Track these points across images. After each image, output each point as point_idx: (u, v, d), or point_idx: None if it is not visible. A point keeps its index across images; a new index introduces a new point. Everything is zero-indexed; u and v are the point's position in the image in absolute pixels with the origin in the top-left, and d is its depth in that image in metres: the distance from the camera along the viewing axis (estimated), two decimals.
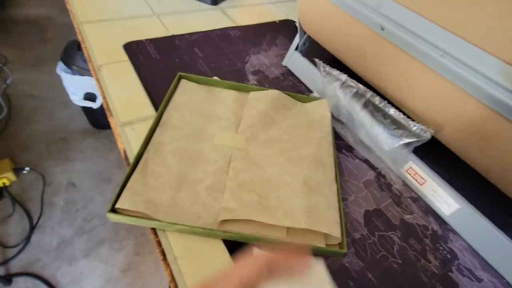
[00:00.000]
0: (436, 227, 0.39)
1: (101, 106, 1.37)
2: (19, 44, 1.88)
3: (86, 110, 1.44)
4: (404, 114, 0.39)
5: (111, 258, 1.14)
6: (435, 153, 0.41)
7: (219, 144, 0.42)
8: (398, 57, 0.36)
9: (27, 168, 1.30)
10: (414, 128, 0.37)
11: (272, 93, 0.48)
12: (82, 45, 0.56)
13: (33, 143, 1.42)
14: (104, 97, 0.46)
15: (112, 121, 0.43)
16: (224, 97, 0.49)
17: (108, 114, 0.45)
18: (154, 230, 0.34)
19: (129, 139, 0.41)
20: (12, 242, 1.12)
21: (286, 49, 0.63)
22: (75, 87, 1.31)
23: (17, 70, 1.72)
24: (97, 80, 0.49)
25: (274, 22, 0.72)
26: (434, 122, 0.36)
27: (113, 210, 0.33)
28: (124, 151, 0.40)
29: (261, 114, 0.46)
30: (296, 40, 0.56)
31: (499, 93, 0.27)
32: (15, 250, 1.09)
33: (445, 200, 0.39)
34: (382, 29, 0.36)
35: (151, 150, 0.39)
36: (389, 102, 0.41)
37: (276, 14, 0.77)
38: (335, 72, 0.45)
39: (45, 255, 1.11)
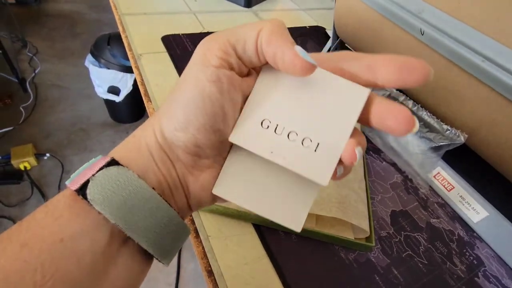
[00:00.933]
0: (462, 233, 0.39)
1: (123, 100, 1.42)
2: (50, 37, 1.97)
3: (108, 103, 1.48)
4: (437, 118, 0.39)
5: None
6: (464, 160, 0.41)
7: None
8: (435, 61, 0.37)
9: (47, 154, 1.34)
10: (448, 132, 0.37)
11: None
12: (123, 35, 0.58)
13: (55, 131, 1.47)
14: (143, 84, 0.48)
15: (149, 106, 0.45)
16: None
17: (145, 99, 0.47)
18: None
19: None
20: None
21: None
22: (101, 79, 1.35)
23: (46, 61, 1.79)
24: (136, 67, 0.51)
25: (305, 27, 0.74)
26: (468, 127, 0.36)
27: None
28: None
29: None
30: (328, 44, 0.57)
31: None
32: None
33: (473, 207, 0.39)
34: (422, 34, 0.37)
35: None
36: (422, 106, 0.42)
37: (306, 20, 0.79)
38: None
39: None
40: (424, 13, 0.36)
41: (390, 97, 0.44)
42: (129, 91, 1.41)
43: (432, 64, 0.37)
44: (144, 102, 0.47)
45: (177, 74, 0.51)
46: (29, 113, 1.50)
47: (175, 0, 0.72)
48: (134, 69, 0.52)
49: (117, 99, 1.41)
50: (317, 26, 0.76)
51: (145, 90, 0.48)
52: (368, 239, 0.34)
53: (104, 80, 1.35)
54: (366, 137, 0.48)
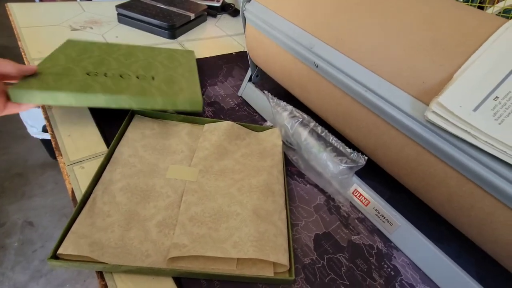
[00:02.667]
0: (381, 245, 0.41)
1: None
2: None
3: (45, 142, 1.38)
4: (345, 140, 0.42)
5: None
6: (377, 176, 0.44)
7: (171, 178, 0.42)
8: (333, 91, 0.40)
9: None
10: (352, 155, 0.40)
11: (226, 124, 0.50)
12: None
13: None
14: (53, 135, 0.46)
15: (60, 160, 0.43)
16: (178, 131, 0.50)
17: (56, 153, 0.44)
18: (100, 273, 0.33)
19: (77, 178, 0.41)
20: None
21: (242, 80, 0.67)
22: (33, 119, 1.26)
23: None
24: (46, 118, 0.48)
25: (231, 54, 0.76)
26: (368, 149, 0.39)
27: (55, 256, 0.32)
28: (72, 192, 0.39)
29: (214, 146, 0.47)
30: (249, 72, 0.59)
31: (410, 122, 0.31)
32: None
33: (387, 219, 0.42)
34: (316, 67, 0.39)
35: (100, 188, 0.39)
36: (332, 130, 0.45)
37: (233, 46, 0.80)
38: (282, 103, 0.48)
39: None
40: (315, 47, 0.39)
41: (303, 123, 0.46)
42: None
43: (330, 93, 0.40)
44: (56, 156, 0.44)
45: (92, 119, 0.49)
46: None
47: (90, 37, 0.69)
48: (45, 120, 0.49)
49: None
50: (243, 52, 0.78)
51: (56, 143, 0.45)
52: (289, 272, 0.35)
53: (36, 119, 1.26)
54: (290, 161, 0.50)
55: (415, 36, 0.32)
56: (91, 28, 0.73)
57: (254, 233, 0.36)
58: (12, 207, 1.26)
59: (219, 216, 0.38)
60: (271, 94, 0.52)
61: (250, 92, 0.59)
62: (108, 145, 0.46)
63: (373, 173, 0.44)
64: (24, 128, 1.31)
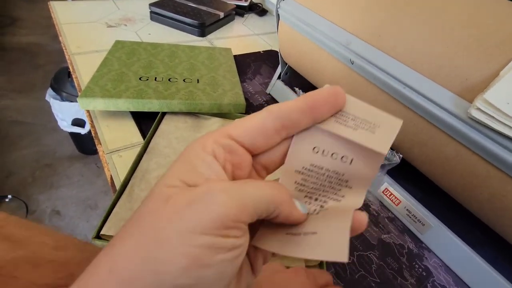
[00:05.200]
0: (412, 245, 0.41)
1: (89, 131, 1.38)
2: (8, 71, 1.89)
3: (74, 136, 1.44)
4: None
5: None
6: (409, 174, 0.44)
7: None
8: (368, 88, 0.40)
9: (9, 196, 1.27)
10: None
11: None
12: (73, 75, 0.58)
13: (17, 170, 1.40)
14: (92, 126, 0.48)
15: (100, 148, 0.45)
16: (209, 125, 0.51)
17: (96, 142, 0.46)
18: None
19: (116, 166, 0.43)
20: None
21: (270, 77, 0.67)
22: (64, 113, 1.32)
23: (5, 96, 1.72)
24: (87, 110, 0.50)
25: (259, 52, 0.77)
26: (403, 147, 0.39)
27: (98, 236, 0.33)
28: (111, 178, 0.41)
29: None
30: (279, 69, 0.60)
31: (451, 120, 0.30)
32: None
33: (418, 219, 0.41)
34: (352, 63, 0.39)
35: (138, 176, 0.40)
36: None
37: (260, 44, 0.81)
38: None
39: None
40: (352, 44, 0.39)
41: None
42: None
43: (365, 91, 0.40)
44: (96, 144, 0.47)
45: (129, 112, 0.51)
46: None
47: (125, 34, 0.72)
48: (85, 111, 0.51)
49: (83, 131, 1.37)
50: (270, 50, 0.79)
51: (96, 133, 0.47)
52: (320, 265, 0.35)
53: (67, 113, 1.31)
54: None
55: (458, 33, 0.32)
56: (125, 25, 0.76)
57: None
58: (42, 196, 1.33)
59: None
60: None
61: (279, 89, 0.60)
62: (143, 136, 0.48)
63: (405, 172, 0.44)
64: (55, 121, 1.37)
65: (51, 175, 1.42)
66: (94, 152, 1.52)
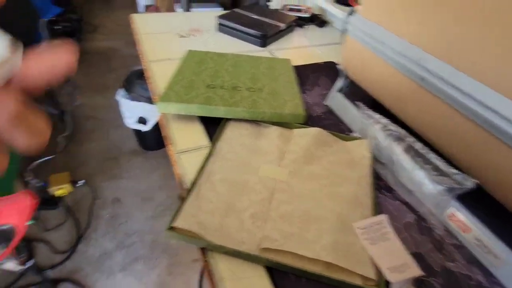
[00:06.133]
0: (481, 278, 0.38)
1: (151, 129, 1.51)
2: (88, 72, 2.16)
3: (137, 132, 1.58)
4: (447, 159, 0.40)
5: (145, 276, 1.18)
6: (482, 202, 0.41)
7: (263, 176, 0.45)
8: (439, 106, 0.38)
9: (81, 182, 1.44)
10: (456, 176, 0.37)
11: (315, 130, 0.52)
12: (148, 81, 0.65)
13: (88, 160, 1.58)
14: (165, 127, 0.53)
15: (170, 148, 0.50)
16: (269, 133, 0.53)
17: (167, 142, 0.51)
18: (203, 250, 0.38)
19: (184, 165, 0.47)
20: (61, 248, 1.22)
21: (328, 89, 0.68)
22: (131, 111, 1.46)
23: (84, 94, 1.96)
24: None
25: (318, 63, 0.77)
26: (475, 171, 0.36)
27: (171, 228, 0.37)
28: (179, 176, 0.45)
29: (303, 150, 0.49)
30: (339, 82, 0.60)
31: None
32: (63, 256, 1.19)
33: (491, 252, 0.38)
34: (422, 80, 0.38)
35: (204, 177, 0.44)
36: (430, 146, 0.43)
37: (319, 55, 0.82)
38: (377, 115, 0.48)
39: (87, 265, 1.19)
40: (423, 60, 0.38)
41: (398, 138, 0.45)
42: (156, 121, 1.50)
43: (437, 109, 0.38)
44: (167, 144, 0.52)
45: (197, 116, 0.56)
46: (67, 143, 1.63)
47: (194, 44, 0.78)
48: (160, 113, 0.57)
49: (145, 128, 1.50)
50: (329, 62, 0.79)
51: (167, 133, 0.52)
52: (378, 286, 0.34)
53: (133, 111, 1.46)
54: (378, 174, 0.49)
55: None
56: (194, 35, 0.82)
57: (342, 241, 0.36)
58: (106, 184, 1.48)
59: (308, 217, 0.40)
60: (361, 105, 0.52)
61: (338, 102, 0.60)
62: (210, 139, 0.52)
63: (476, 197, 0.41)
64: (121, 118, 1.53)
65: (115, 167, 1.58)
66: (153, 148, 1.66)
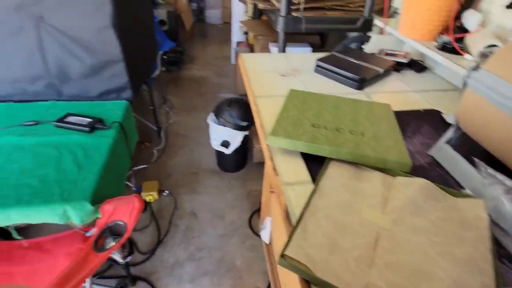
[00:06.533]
0: None
1: (231, 153, 1.63)
2: (182, 95, 2.48)
3: (218, 153, 1.73)
4: None
5: None
6: None
7: (366, 219, 0.46)
8: None
9: (166, 191, 1.62)
10: None
11: (421, 181, 0.51)
12: (255, 115, 0.72)
13: (174, 172, 1.77)
14: (271, 159, 0.58)
15: (278, 179, 0.54)
16: (372, 177, 0.54)
17: (274, 173, 0.56)
18: (305, 282, 0.39)
19: (290, 197, 0.50)
20: (143, 249, 1.37)
21: (432, 138, 0.65)
22: (217, 134, 1.61)
23: (178, 114, 2.25)
24: (267, 144, 0.62)
25: (419, 110, 0.76)
26: None
27: (282, 255, 0.40)
28: (286, 207, 0.49)
29: (409, 200, 0.48)
30: (449, 133, 0.58)
31: None
32: (143, 257, 1.33)
33: None
34: None
35: (309, 211, 0.47)
36: None
37: (419, 102, 0.80)
38: (500, 176, 0.44)
39: (162, 269, 1.30)
40: None
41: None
42: (237, 146, 1.62)
43: None
44: (273, 176, 0.56)
45: (299, 153, 0.60)
46: (159, 155, 1.87)
47: (294, 83, 0.85)
48: (265, 145, 0.63)
49: (226, 151, 1.63)
50: (432, 110, 0.76)
51: (274, 165, 0.57)
52: None
53: (219, 135, 1.61)
54: (498, 241, 0.45)
55: None
56: (294, 75, 0.90)
57: None
58: (186, 197, 1.63)
59: (419, 273, 0.39)
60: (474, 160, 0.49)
61: (446, 154, 0.58)
62: (311, 175, 0.55)
63: None
64: (206, 138, 1.69)
65: (195, 182, 1.73)
66: (230, 170, 1.78)
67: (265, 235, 1.23)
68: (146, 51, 1.49)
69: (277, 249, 1.01)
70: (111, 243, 0.80)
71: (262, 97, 0.78)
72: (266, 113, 0.71)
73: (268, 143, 0.58)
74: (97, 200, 0.84)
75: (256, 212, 1.57)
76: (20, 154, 0.92)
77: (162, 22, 2.75)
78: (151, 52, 1.58)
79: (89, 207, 0.80)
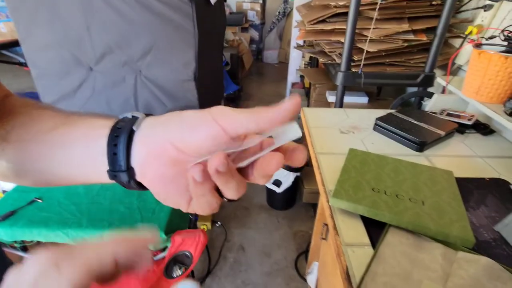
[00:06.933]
0: None
1: (282, 192, 1.70)
2: None
3: (269, 191, 1.80)
4: None
5: None
6: None
7: None
8: None
9: (219, 223, 1.72)
10: None
11: (485, 260, 0.51)
12: (316, 171, 0.79)
13: (227, 205, 1.89)
14: (332, 217, 0.64)
15: (337, 238, 0.59)
16: (431, 248, 0.56)
17: (333, 232, 0.61)
18: None
19: (350, 258, 0.55)
20: (195, 276, 1.46)
21: (498, 211, 0.65)
22: (275, 176, 1.71)
23: None
24: (327, 202, 0.68)
25: (483, 179, 0.75)
26: None
27: None
28: (346, 268, 0.54)
29: (472, 279, 0.49)
30: None
31: None
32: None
33: None
34: None
35: (369, 276, 0.51)
36: None
37: (484, 169, 0.80)
38: None
39: None
40: None
41: None
42: (288, 186, 1.69)
43: None
44: (334, 235, 0.62)
45: (358, 215, 0.64)
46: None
47: (353, 140, 0.91)
48: (325, 202, 0.69)
49: (278, 190, 1.70)
50: (498, 179, 0.75)
51: (334, 223, 0.63)
52: None
53: (276, 176, 1.70)
54: None
55: None
56: (353, 132, 0.96)
57: None
58: (236, 230, 1.71)
59: None
60: None
61: None
62: (370, 238, 0.59)
63: None
64: None
65: (245, 216, 1.81)
66: (279, 208, 1.83)
67: (311, 280, 1.24)
68: (216, 95, 1.69)
69: None
70: (177, 271, 0.90)
71: (322, 154, 0.85)
72: (327, 170, 0.78)
73: (332, 204, 0.64)
74: (168, 229, 0.97)
75: (302, 254, 1.58)
76: None
77: (225, 63, 3.06)
78: (218, 96, 1.78)
79: (163, 236, 0.92)
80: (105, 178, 0.26)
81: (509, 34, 0.92)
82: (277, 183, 1.71)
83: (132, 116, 0.25)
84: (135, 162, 0.24)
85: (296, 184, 1.75)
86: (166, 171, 0.23)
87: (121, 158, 0.24)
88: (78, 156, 0.26)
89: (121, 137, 0.24)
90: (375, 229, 0.61)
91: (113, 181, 0.26)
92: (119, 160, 0.24)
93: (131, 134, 0.24)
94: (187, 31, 1.17)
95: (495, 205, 0.67)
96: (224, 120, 0.21)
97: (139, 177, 0.25)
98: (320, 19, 1.37)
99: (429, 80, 1.28)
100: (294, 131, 0.22)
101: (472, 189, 0.72)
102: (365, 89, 1.67)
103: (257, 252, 1.60)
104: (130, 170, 0.24)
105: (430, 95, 1.21)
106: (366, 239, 0.59)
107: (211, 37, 1.43)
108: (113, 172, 0.25)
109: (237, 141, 0.23)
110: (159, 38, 1.19)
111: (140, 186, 0.25)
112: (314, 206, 1.83)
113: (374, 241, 0.59)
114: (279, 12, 4.35)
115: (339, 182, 0.68)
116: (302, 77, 2.64)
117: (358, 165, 0.74)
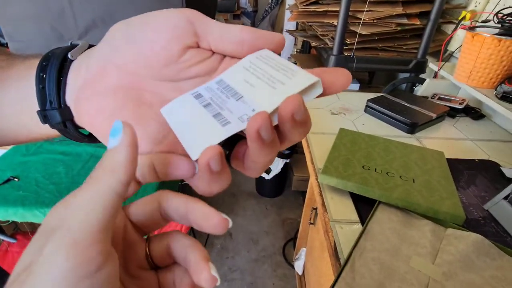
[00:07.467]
0: None
1: (270, 178, 1.68)
2: None
3: (257, 178, 1.78)
4: None
5: None
6: None
7: (415, 268, 0.47)
8: None
9: None
10: None
11: (475, 236, 0.50)
12: (306, 150, 0.77)
13: None
14: (321, 195, 0.62)
15: (326, 215, 0.57)
16: (421, 225, 0.54)
17: (322, 209, 0.59)
18: None
19: (338, 235, 0.53)
20: None
21: (487, 191, 0.64)
22: None
23: None
24: (316, 180, 0.66)
25: (473, 160, 0.74)
26: None
27: None
28: (334, 244, 0.52)
29: (461, 254, 0.48)
30: (509, 189, 0.57)
31: None
32: None
33: None
34: None
35: (358, 251, 0.49)
36: None
37: (475, 151, 0.79)
38: None
39: None
40: None
41: None
42: (277, 172, 1.67)
43: None
44: (322, 212, 0.60)
45: (348, 193, 0.62)
46: None
47: (344, 122, 0.89)
48: (313, 183, 0.67)
49: (267, 177, 1.68)
50: (488, 161, 0.75)
51: (323, 201, 0.61)
52: None
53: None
54: None
55: None
56: (344, 114, 0.94)
57: None
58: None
59: None
60: None
61: (504, 211, 0.56)
62: (359, 215, 0.57)
63: None
64: None
65: (233, 203, 1.79)
66: (267, 195, 1.82)
67: (299, 266, 1.23)
68: None
69: (311, 281, 1.00)
70: None
71: (313, 134, 0.82)
72: (317, 150, 0.76)
73: (320, 181, 0.62)
74: None
75: (290, 241, 1.57)
76: (95, 161, 1.06)
77: None
78: None
79: None
80: (45, 128, 0.20)
81: (503, 18, 0.91)
82: (266, 169, 1.69)
83: (71, 44, 0.21)
84: (70, 99, 0.19)
85: (286, 171, 1.74)
86: (109, 104, 0.18)
87: (51, 93, 0.19)
88: (11, 101, 0.20)
89: (51, 65, 0.19)
90: (364, 207, 0.59)
91: (59, 134, 0.21)
92: (48, 95, 0.19)
93: (65, 63, 0.19)
94: (174, 6, 1.12)
95: (485, 185, 0.66)
96: (200, 22, 0.17)
97: (77, 118, 0.19)
98: (313, 0, 1.34)
99: (421, 66, 1.26)
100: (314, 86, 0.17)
101: (462, 170, 0.71)
102: (356, 76, 1.65)
103: (244, 239, 1.58)
104: (64, 109, 0.19)
105: (422, 81, 1.20)
106: (355, 216, 0.57)
107: None
108: (43, 112, 0.19)
109: (206, 63, 0.18)
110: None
111: (91, 136, 0.20)
112: (303, 194, 1.82)
113: (363, 218, 0.57)
114: (271, 0, 4.27)
115: (329, 159, 0.65)
116: (294, 63, 2.60)
117: (349, 144, 0.72)
